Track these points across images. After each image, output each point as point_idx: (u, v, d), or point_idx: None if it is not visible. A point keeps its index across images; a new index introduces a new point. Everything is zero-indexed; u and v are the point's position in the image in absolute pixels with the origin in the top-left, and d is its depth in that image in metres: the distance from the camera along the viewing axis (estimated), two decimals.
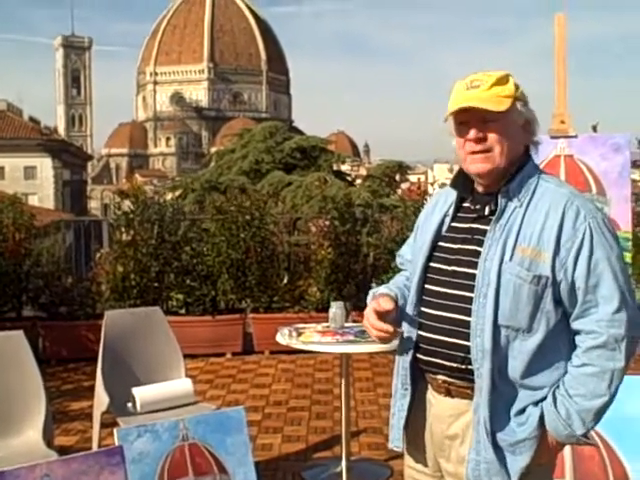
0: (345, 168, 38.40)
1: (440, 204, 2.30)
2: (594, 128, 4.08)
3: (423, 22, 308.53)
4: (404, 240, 7.76)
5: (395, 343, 3.93)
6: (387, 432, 2.35)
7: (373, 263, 8.09)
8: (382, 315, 2.16)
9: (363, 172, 49.39)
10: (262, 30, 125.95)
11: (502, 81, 2.09)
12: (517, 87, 2.11)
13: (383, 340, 2.20)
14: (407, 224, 8.26)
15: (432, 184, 9.90)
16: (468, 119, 2.09)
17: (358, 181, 35.05)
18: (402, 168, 32.93)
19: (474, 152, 2.09)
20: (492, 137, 2.08)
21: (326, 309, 7.17)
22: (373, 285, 7.87)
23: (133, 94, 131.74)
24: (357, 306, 7.56)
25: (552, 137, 3.86)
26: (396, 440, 2.27)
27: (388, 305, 2.16)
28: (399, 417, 2.26)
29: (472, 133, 2.08)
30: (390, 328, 2.16)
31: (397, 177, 32.91)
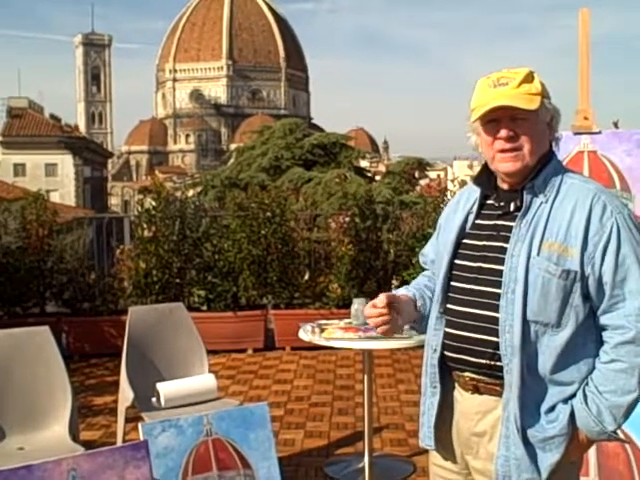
0: (364, 164, 38.39)
1: (463, 202, 2.30)
2: (615, 125, 4.05)
3: (442, 18, 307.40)
4: (424, 237, 7.79)
5: (418, 339, 3.94)
6: (410, 428, 2.36)
7: (394, 260, 8.09)
8: (379, 307, 2.17)
9: (382, 168, 49.28)
10: (280, 27, 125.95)
11: (529, 78, 2.09)
12: (542, 84, 2.11)
13: (383, 332, 2.20)
14: (427, 221, 8.27)
15: (452, 181, 9.87)
16: (498, 117, 2.08)
17: (377, 177, 35.02)
18: (422, 165, 32.85)
19: (504, 150, 2.09)
20: (523, 135, 2.07)
21: (347, 305, 7.23)
22: (394, 282, 7.90)
23: (152, 91, 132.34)
24: None
25: (575, 133, 3.84)
26: (427, 439, 2.26)
27: (380, 302, 2.16)
28: (429, 415, 2.25)
29: (503, 132, 2.07)
30: (383, 311, 2.15)
31: (416, 174, 32.83)
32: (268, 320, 7.82)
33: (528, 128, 2.07)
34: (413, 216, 8.78)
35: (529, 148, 2.07)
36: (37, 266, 7.66)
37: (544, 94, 2.10)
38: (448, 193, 8.61)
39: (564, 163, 2.29)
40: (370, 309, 2.19)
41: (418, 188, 31.17)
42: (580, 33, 3.95)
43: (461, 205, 2.30)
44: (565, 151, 3.63)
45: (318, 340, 4.24)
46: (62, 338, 7.32)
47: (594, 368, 2.04)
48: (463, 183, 8.60)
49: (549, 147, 2.16)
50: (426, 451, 2.38)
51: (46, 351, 3.89)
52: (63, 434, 3.71)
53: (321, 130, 47.98)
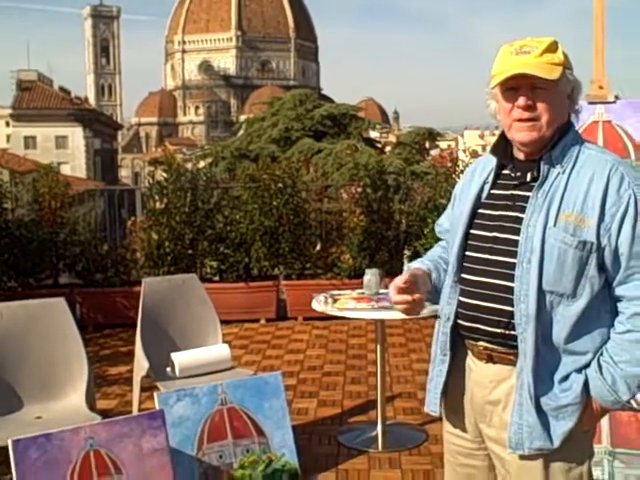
0: (374, 135, 38.23)
1: (479, 171, 2.29)
2: (617, 97, 4.01)
3: None
4: (436, 207, 7.77)
5: (430, 309, 3.95)
6: (422, 397, 2.37)
7: (405, 230, 8.09)
8: (403, 289, 2.17)
9: (392, 139, 49.08)
10: None
11: (552, 48, 2.06)
12: (565, 54, 2.09)
13: (407, 311, 2.21)
14: (439, 191, 8.25)
15: (465, 151, 9.81)
16: (517, 85, 2.06)
17: (388, 148, 34.90)
18: (432, 135, 32.70)
19: (521, 120, 2.07)
20: (541, 105, 2.05)
21: (358, 276, 7.24)
22: (405, 252, 7.89)
23: (162, 63, 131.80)
24: (390, 273, 7.63)
25: (590, 103, 3.81)
26: (432, 404, 2.28)
27: (400, 282, 2.17)
28: (437, 382, 2.27)
29: (521, 100, 2.05)
30: (408, 297, 2.16)
31: (427, 144, 32.70)
32: (280, 291, 7.85)
33: (547, 98, 2.05)
34: (424, 186, 8.76)
35: (547, 118, 2.06)
36: (50, 238, 7.70)
37: (566, 65, 2.07)
38: (460, 163, 8.58)
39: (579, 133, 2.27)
40: (397, 296, 2.18)
41: (429, 158, 31.07)
42: (595, 1, 3.91)
43: (477, 175, 2.29)
44: (580, 121, 3.61)
45: (331, 310, 4.26)
46: (76, 309, 7.37)
47: (608, 338, 2.05)
48: (474, 153, 8.57)
49: (567, 118, 2.14)
50: (438, 419, 2.40)
51: (62, 322, 3.92)
52: (80, 403, 3.75)
53: (331, 101, 47.76)
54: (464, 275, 2.21)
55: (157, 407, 3.54)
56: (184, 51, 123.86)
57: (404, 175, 9.30)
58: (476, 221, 2.21)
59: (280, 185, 7.85)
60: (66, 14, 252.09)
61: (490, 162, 2.25)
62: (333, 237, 8.22)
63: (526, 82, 2.04)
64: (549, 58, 2.04)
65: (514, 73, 2.03)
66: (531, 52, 2.05)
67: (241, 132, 36.52)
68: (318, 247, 8.02)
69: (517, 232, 2.08)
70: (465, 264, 2.21)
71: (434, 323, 2.35)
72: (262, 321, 7.61)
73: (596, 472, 3.27)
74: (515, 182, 2.16)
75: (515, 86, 2.06)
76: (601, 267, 2.03)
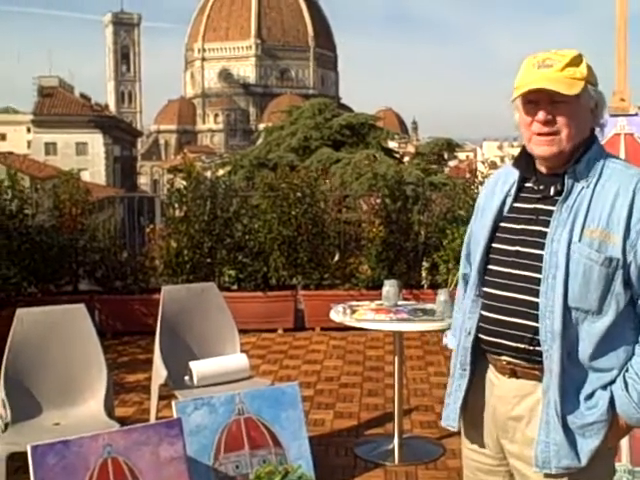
0: (392, 145, 38.16)
1: (500, 184, 2.27)
2: None
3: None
4: (455, 218, 7.73)
5: (450, 322, 3.94)
6: (439, 410, 2.36)
7: (424, 241, 8.07)
8: None
9: (411, 149, 49.04)
10: (309, 5, 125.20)
11: (575, 62, 2.05)
12: (589, 69, 2.07)
13: None
14: (457, 203, 8.23)
15: (483, 162, 9.79)
16: (538, 99, 2.05)
17: (406, 158, 34.84)
18: (451, 145, 32.61)
19: (540, 134, 2.06)
20: (561, 120, 2.04)
21: (377, 287, 7.24)
22: (424, 264, 7.85)
23: (181, 70, 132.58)
24: (408, 284, 7.63)
25: (612, 115, 3.79)
26: (451, 419, 2.26)
27: None
28: (456, 397, 2.25)
29: (541, 115, 2.04)
30: None
31: (445, 155, 32.62)
32: (298, 300, 7.85)
33: (567, 113, 2.04)
34: (443, 197, 8.74)
35: (566, 133, 2.04)
36: (70, 244, 7.74)
37: (589, 79, 2.06)
38: (479, 174, 8.56)
39: None
40: None
41: (446, 169, 30.97)
42: (618, 11, 3.89)
43: (498, 187, 2.27)
44: (604, 134, 3.59)
45: (349, 321, 4.26)
46: (95, 316, 7.40)
47: (633, 355, 2.03)
48: (493, 164, 8.54)
49: (590, 132, 2.12)
50: (456, 433, 2.38)
51: (82, 328, 3.95)
52: (99, 410, 3.77)
53: (350, 110, 47.79)
54: (486, 289, 2.19)
55: (175, 415, 3.56)
56: (204, 59, 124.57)
57: (423, 186, 9.26)
58: (498, 234, 2.20)
59: (299, 194, 7.86)
60: (87, 21, 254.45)
61: (512, 174, 2.23)
62: (351, 247, 8.21)
63: (546, 96, 2.03)
64: (571, 73, 2.03)
65: (533, 88, 2.03)
66: (553, 66, 2.04)
67: (260, 141, 36.63)
68: (336, 257, 8.02)
69: (540, 246, 2.07)
70: (487, 278, 2.20)
71: None
72: (279, 331, 7.61)
73: None
74: (538, 196, 2.15)
75: (535, 100, 2.05)
76: (626, 283, 2.01)
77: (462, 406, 2.24)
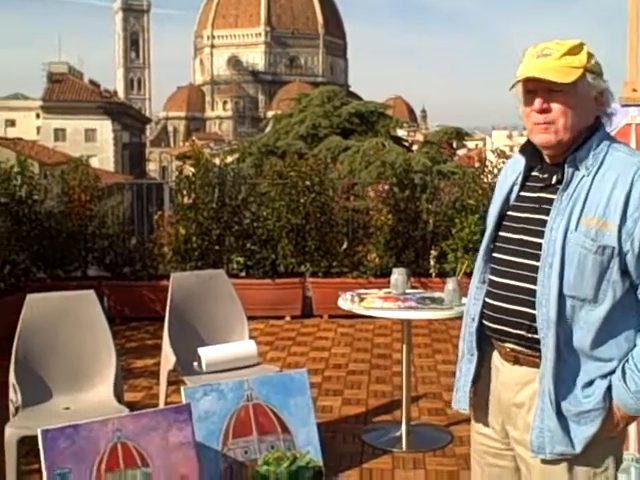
0: (401, 133, 38.05)
1: (509, 173, 2.29)
2: None
3: None
4: (463, 207, 7.71)
5: (458, 310, 3.95)
6: (447, 398, 2.38)
7: (432, 230, 8.06)
8: None
9: (419, 137, 48.90)
10: None
11: (574, 50, 2.04)
12: (590, 57, 2.06)
13: None
14: (467, 192, 8.21)
15: (494, 152, 9.74)
16: (535, 88, 2.05)
17: (415, 147, 34.76)
18: (460, 134, 32.50)
19: (538, 123, 2.06)
20: (556, 108, 2.04)
21: (385, 275, 7.25)
22: (432, 252, 7.83)
23: (190, 57, 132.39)
24: (416, 272, 7.63)
25: (623, 105, 3.77)
26: (462, 402, 2.29)
27: None
28: (465, 381, 2.28)
29: (537, 103, 2.05)
30: None
31: (454, 143, 32.52)
32: (306, 288, 7.86)
33: (564, 101, 2.03)
34: (452, 186, 8.72)
35: (563, 122, 2.04)
36: (79, 230, 7.77)
37: (590, 68, 2.05)
38: (488, 164, 8.54)
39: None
40: None
41: (456, 158, 30.88)
42: (630, 2, 3.86)
43: (508, 176, 2.29)
44: (613, 124, 3.57)
45: (357, 309, 4.27)
46: (103, 302, 7.43)
47: (635, 345, 2.03)
48: (502, 153, 8.53)
49: (595, 121, 2.11)
50: (463, 421, 2.40)
51: (91, 314, 3.96)
52: (108, 395, 3.79)
53: (359, 98, 47.63)
54: (490, 276, 2.22)
55: (184, 401, 3.57)
56: (213, 46, 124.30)
57: (431, 174, 9.24)
58: (504, 223, 2.22)
59: (307, 183, 7.86)
60: (97, 7, 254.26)
61: (519, 163, 2.24)
62: (360, 235, 8.21)
63: (543, 85, 2.03)
64: (568, 61, 2.02)
65: (528, 76, 2.03)
66: (551, 55, 2.04)
67: (269, 128, 36.55)
68: (345, 245, 8.02)
69: (542, 235, 2.07)
70: (492, 265, 2.22)
71: (459, 324, 2.36)
72: (287, 318, 7.63)
73: (622, 479, 3.24)
74: (541, 184, 2.16)
75: (533, 89, 2.06)
76: (624, 272, 2.01)
77: (471, 390, 2.27)
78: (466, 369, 2.29)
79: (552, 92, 2.03)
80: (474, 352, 2.26)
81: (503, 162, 8.65)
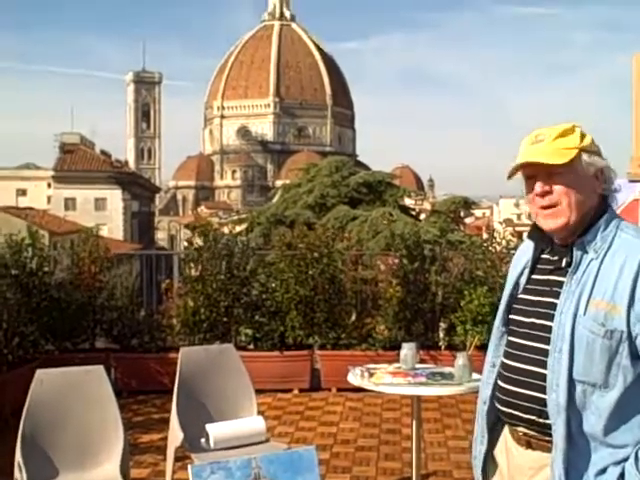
0: (409, 202, 38.35)
1: (521, 255, 2.31)
2: None
3: (489, 55, 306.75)
4: (472, 279, 7.67)
5: (469, 386, 3.91)
6: (458, 476, 2.37)
7: (441, 302, 8.04)
8: None
9: (427, 206, 49.18)
10: (327, 65, 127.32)
11: (566, 133, 2.08)
12: (583, 137, 2.09)
13: None
14: (475, 264, 8.21)
15: (501, 223, 9.76)
16: (534, 173, 2.08)
17: (422, 215, 34.96)
18: (467, 203, 32.75)
19: (543, 207, 2.09)
20: (558, 190, 2.06)
21: (394, 347, 7.21)
22: (441, 325, 7.80)
23: (200, 127, 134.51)
24: (425, 345, 7.58)
25: (630, 181, 3.82)
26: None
27: None
28: (478, 460, 2.29)
29: (538, 187, 2.07)
30: None
31: (462, 212, 32.73)
32: (314, 360, 7.81)
33: (564, 183, 2.05)
34: (460, 256, 8.73)
35: (567, 202, 2.05)
36: (88, 302, 7.77)
37: (585, 147, 2.07)
38: (496, 235, 8.56)
39: (618, 212, 2.26)
40: None
41: (463, 227, 30.99)
42: (634, 79, 3.95)
43: (520, 259, 2.30)
44: (620, 199, 3.61)
45: (367, 385, 4.23)
46: (110, 374, 7.39)
47: None
48: (509, 222, 8.56)
49: (600, 200, 2.12)
50: None
51: (100, 390, 3.95)
52: (115, 473, 3.75)
53: (366, 167, 48.22)
54: (503, 359, 2.22)
55: (190, 479, 3.52)
56: (223, 116, 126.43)
57: (440, 245, 9.26)
58: (515, 306, 2.22)
59: (316, 254, 7.88)
60: (110, 79, 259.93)
61: (531, 246, 2.26)
62: (368, 307, 8.19)
63: (541, 169, 2.06)
64: (562, 143, 2.06)
65: (523, 162, 2.07)
66: (544, 140, 2.08)
67: (277, 197, 36.91)
68: (353, 317, 8.00)
69: (552, 318, 2.07)
70: (505, 348, 2.22)
71: (470, 398, 2.35)
72: (295, 391, 7.56)
73: None
74: (551, 267, 2.16)
75: (532, 174, 2.09)
76: (635, 356, 1.98)
77: (484, 470, 2.27)
78: (478, 450, 2.29)
79: (552, 175, 2.06)
80: (485, 434, 2.26)
81: (511, 234, 8.68)
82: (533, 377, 2.09)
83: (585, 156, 2.07)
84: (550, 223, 2.09)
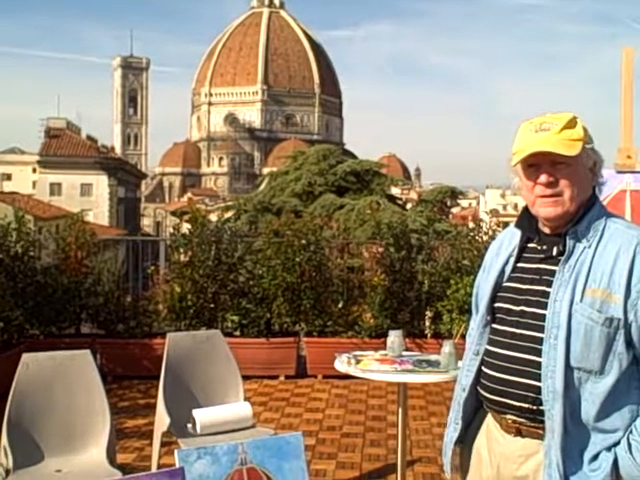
0: (395, 191, 38.39)
1: (505, 244, 2.31)
2: None
3: (478, 46, 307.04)
4: (459, 268, 7.69)
5: (454, 374, 3.92)
6: (442, 462, 2.38)
7: (428, 290, 8.05)
8: None
9: (414, 195, 49.27)
10: (316, 53, 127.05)
11: (571, 124, 2.09)
12: (585, 130, 2.11)
13: None
14: (461, 253, 8.24)
15: (488, 213, 9.81)
16: (538, 162, 2.09)
17: (409, 204, 35.01)
18: (454, 193, 32.81)
19: (544, 196, 2.10)
20: (563, 181, 2.08)
21: (379, 335, 7.24)
22: (427, 313, 7.81)
23: (188, 114, 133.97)
24: (411, 333, 7.61)
25: (618, 172, 3.83)
26: (447, 470, 2.33)
27: None
28: (448, 448, 2.32)
29: (543, 177, 2.08)
30: None
31: (448, 202, 32.79)
32: (300, 347, 7.82)
33: (569, 174, 2.08)
34: (446, 246, 8.76)
35: (569, 194, 2.08)
36: (74, 287, 7.74)
37: (586, 140, 2.10)
38: (483, 225, 8.59)
39: (605, 202, 2.28)
40: None
41: (450, 217, 31.08)
42: (623, 72, 3.95)
43: (503, 247, 2.31)
44: (608, 189, 3.62)
45: (354, 371, 4.23)
46: (96, 359, 7.35)
47: (638, 415, 2.03)
48: (495, 212, 8.59)
49: (592, 192, 2.16)
50: None
51: (86, 374, 3.93)
52: (101, 458, 3.74)
53: (353, 156, 48.12)
54: (488, 347, 2.22)
55: (177, 464, 3.52)
56: (210, 103, 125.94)
57: (427, 235, 9.28)
58: (502, 294, 2.23)
59: (303, 241, 7.88)
60: (97, 64, 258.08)
61: (516, 235, 2.27)
62: (355, 295, 8.20)
63: (547, 159, 2.07)
64: (569, 134, 2.07)
65: (534, 151, 2.07)
66: (550, 129, 2.08)
67: (264, 185, 36.86)
68: (340, 305, 8.01)
69: (544, 306, 2.08)
70: (491, 336, 2.22)
71: (454, 386, 2.36)
72: (281, 378, 7.57)
73: None
74: (541, 256, 2.18)
75: (536, 163, 2.10)
76: (629, 343, 2.02)
77: (454, 456, 2.30)
78: (450, 437, 2.31)
79: (556, 165, 2.07)
80: (459, 422, 2.28)
81: (497, 224, 8.70)
82: (524, 365, 2.10)
83: (588, 148, 2.10)
84: (550, 211, 2.10)
